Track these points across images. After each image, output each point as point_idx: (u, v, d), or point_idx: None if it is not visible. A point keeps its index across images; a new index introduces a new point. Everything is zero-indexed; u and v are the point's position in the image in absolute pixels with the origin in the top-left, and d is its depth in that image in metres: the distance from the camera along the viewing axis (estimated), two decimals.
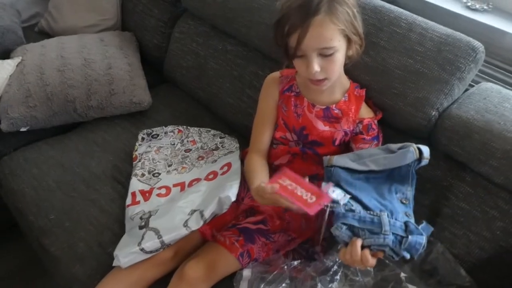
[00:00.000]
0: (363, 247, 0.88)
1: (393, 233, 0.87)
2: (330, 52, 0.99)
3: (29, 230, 1.31)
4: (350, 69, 1.15)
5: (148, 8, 1.79)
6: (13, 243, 1.61)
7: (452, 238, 1.07)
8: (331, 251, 1.11)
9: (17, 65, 1.62)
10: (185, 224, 1.04)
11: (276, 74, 1.21)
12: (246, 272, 1.09)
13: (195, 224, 1.03)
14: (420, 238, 0.87)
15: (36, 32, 2.04)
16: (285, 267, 1.09)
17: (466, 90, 1.15)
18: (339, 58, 1.01)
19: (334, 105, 1.11)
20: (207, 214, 1.04)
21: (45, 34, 1.99)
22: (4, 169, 1.44)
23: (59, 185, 1.34)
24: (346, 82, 1.14)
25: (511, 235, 1.00)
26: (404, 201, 0.96)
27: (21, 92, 1.51)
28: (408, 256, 0.88)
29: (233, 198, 1.05)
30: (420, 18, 1.15)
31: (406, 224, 0.90)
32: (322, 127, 1.12)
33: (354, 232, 0.89)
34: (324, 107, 1.12)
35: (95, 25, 1.91)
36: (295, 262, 1.09)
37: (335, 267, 1.08)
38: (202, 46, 1.61)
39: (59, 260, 1.19)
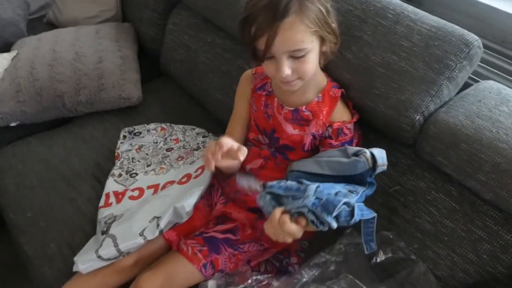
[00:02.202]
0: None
1: (317, 197, 0.79)
2: (301, 54, 0.89)
3: (10, 227, 1.31)
4: (330, 67, 1.05)
5: None
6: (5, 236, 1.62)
7: (435, 258, 0.96)
8: (307, 262, 1.03)
9: (12, 59, 1.62)
10: (141, 233, 0.98)
11: (250, 71, 1.12)
12: (211, 284, 1.03)
13: (151, 233, 0.98)
14: (343, 198, 0.79)
15: (44, 23, 2.04)
16: (250, 281, 1.02)
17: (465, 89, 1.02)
18: (312, 58, 0.91)
19: (304, 107, 1.01)
20: (163, 223, 0.98)
21: (52, 26, 1.99)
22: None
23: (40, 183, 1.33)
24: (322, 80, 1.04)
25: (499, 260, 0.88)
26: (351, 192, 0.86)
27: (12, 86, 1.50)
28: (333, 223, 0.78)
29: (188, 209, 0.99)
30: (410, 8, 1.02)
31: (336, 193, 0.81)
32: (291, 130, 1.03)
33: (280, 203, 0.82)
34: (292, 108, 1.02)
35: (96, 16, 1.89)
36: (261, 277, 1.02)
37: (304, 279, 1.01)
38: (193, 38, 1.54)
39: (31, 259, 1.18)
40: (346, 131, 0.99)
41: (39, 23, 2.02)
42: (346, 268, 1.00)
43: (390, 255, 1.00)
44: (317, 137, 1.01)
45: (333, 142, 0.99)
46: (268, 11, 0.85)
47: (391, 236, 1.01)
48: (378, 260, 1.00)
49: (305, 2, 0.85)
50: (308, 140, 1.01)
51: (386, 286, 0.98)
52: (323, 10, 0.89)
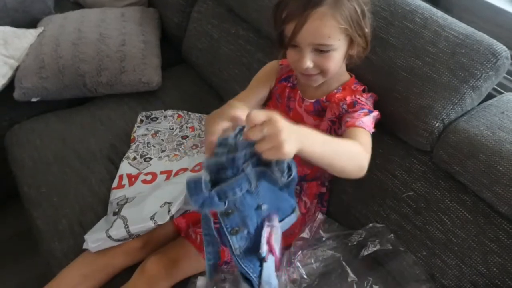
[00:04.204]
0: None
1: None
2: (326, 49, 0.88)
3: (23, 200, 1.33)
4: (352, 67, 1.03)
5: None
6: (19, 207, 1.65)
7: (443, 267, 0.95)
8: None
9: (38, 35, 1.64)
10: (152, 217, 0.99)
11: (276, 62, 1.12)
12: (200, 282, 1.02)
13: (161, 218, 0.99)
14: None
15: (71, 2, 2.06)
16: None
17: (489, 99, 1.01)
18: (336, 57, 0.90)
19: (324, 97, 1.01)
20: (174, 209, 0.99)
21: (79, 5, 2.01)
22: (12, 137, 1.47)
23: (56, 159, 1.35)
24: (345, 77, 1.03)
25: (509, 274, 0.86)
26: None
27: (36, 62, 1.53)
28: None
29: None
30: (439, 14, 1.01)
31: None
32: (312, 121, 1.03)
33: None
34: (313, 100, 1.02)
35: None
36: None
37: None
38: (216, 28, 1.54)
39: (42, 233, 1.20)
40: (362, 102, 0.95)
41: (66, 2, 2.04)
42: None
43: (378, 247, 0.99)
44: (335, 120, 0.99)
45: (350, 109, 0.94)
46: None
47: (380, 229, 1.01)
48: (366, 253, 0.99)
49: None
50: (325, 126, 1.00)
51: (374, 273, 0.97)
52: (359, 11, 0.87)
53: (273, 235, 0.77)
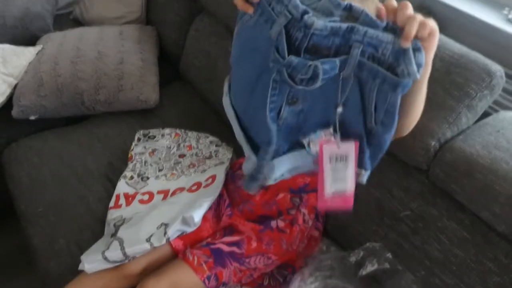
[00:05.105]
0: None
1: None
2: None
3: (20, 217, 1.32)
4: None
5: (169, 2, 1.76)
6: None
7: (442, 286, 0.94)
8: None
9: (37, 53, 1.65)
10: (148, 239, 0.99)
11: None
12: None
13: (158, 241, 0.98)
14: None
15: (71, 20, 2.08)
16: None
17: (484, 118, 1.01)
18: None
19: None
20: (170, 232, 0.99)
21: (78, 23, 2.02)
22: (10, 155, 1.47)
23: (54, 178, 1.35)
24: None
25: None
26: None
27: (34, 80, 1.53)
28: None
29: (197, 219, 0.99)
30: None
31: None
32: None
33: None
34: None
35: (121, 17, 1.92)
36: None
37: None
38: (214, 46, 1.55)
39: (38, 252, 1.20)
40: None
41: (65, 19, 2.06)
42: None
43: (376, 266, 1.00)
44: None
45: None
46: None
47: (378, 248, 1.01)
48: (364, 272, 0.99)
49: None
50: None
51: None
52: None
53: (326, 149, 0.73)
